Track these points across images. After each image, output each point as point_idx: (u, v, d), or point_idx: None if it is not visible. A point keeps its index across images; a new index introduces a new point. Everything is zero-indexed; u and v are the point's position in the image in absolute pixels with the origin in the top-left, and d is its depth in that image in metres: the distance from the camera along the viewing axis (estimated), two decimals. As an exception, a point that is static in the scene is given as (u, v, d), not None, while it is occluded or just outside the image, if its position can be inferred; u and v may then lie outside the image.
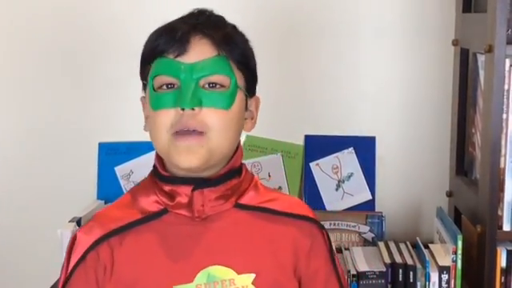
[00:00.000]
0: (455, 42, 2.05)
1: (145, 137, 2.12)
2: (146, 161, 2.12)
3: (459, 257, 1.76)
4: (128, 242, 1.22)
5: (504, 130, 1.72)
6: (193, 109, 1.17)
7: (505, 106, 1.71)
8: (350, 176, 2.16)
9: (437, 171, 2.17)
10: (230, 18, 1.29)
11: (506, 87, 1.70)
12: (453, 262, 1.77)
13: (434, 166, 2.18)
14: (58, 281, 1.27)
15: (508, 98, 1.71)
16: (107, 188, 2.14)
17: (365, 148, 2.16)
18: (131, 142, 2.14)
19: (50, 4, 2.15)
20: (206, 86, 1.19)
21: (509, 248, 1.76)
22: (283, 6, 2.14)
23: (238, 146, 1.27)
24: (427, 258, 1.77)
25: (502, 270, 1.75)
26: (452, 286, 1.76)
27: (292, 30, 2.14)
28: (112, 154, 2.16)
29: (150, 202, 1.25)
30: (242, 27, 1.29)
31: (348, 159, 2.16)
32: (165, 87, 1.20)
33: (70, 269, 1.22)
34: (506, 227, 1.73)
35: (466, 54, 2.02)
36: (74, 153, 2.18)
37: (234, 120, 1.21)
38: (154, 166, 1.27)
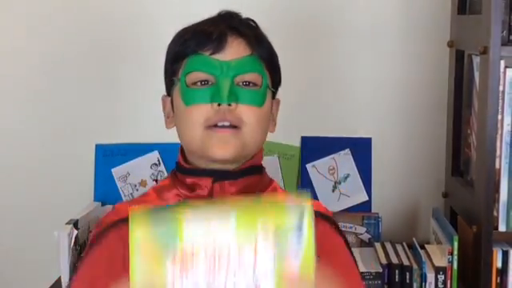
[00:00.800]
0: (450, 44, 2.06)
1: (142, 139, 2.14)
2: (143, 162, 2.13)
3: (455, 257, 1.77)
4: None
5: (499, 131, 1.73)
6: (229, 104, 1.19)
7: (500, 107, 1.72)
8: (346, 177, 2.16)
9: (433, 172, 2.18)
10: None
11: (500, 88, 1.71)
12: (449, 262, 1.77)
13: (430, 166, 2.18)
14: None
15: (503, 99, 1.72)
16: (104, 190, 2.14)
17: (361, 149, 2.16)
18: (128, 143, 2.14)
19: (49, 5, 2.15)
20: (241, 83, 1.22)
21: (504, 248, 1.76)
22: (280, 8, 2.14)
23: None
24: (423, 259, 1.78)
25: (497, 270, 1.76)
26: (448, 286, 1.77)
27: (288, 33, 2.14)
28: (109, 155, 2.16)
29: (171, 196, 1.25)
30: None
31: (344, 160, 2.16)
32: (199, 84, 1.22)
33: (92, 238, 1.22)
34: (501, 228, 1.74)
35: (462, 56, 2.02)
36: (71, 154, 2.18)
37: (265, 118, 1.24)
38: (176, 163, 1.28)
